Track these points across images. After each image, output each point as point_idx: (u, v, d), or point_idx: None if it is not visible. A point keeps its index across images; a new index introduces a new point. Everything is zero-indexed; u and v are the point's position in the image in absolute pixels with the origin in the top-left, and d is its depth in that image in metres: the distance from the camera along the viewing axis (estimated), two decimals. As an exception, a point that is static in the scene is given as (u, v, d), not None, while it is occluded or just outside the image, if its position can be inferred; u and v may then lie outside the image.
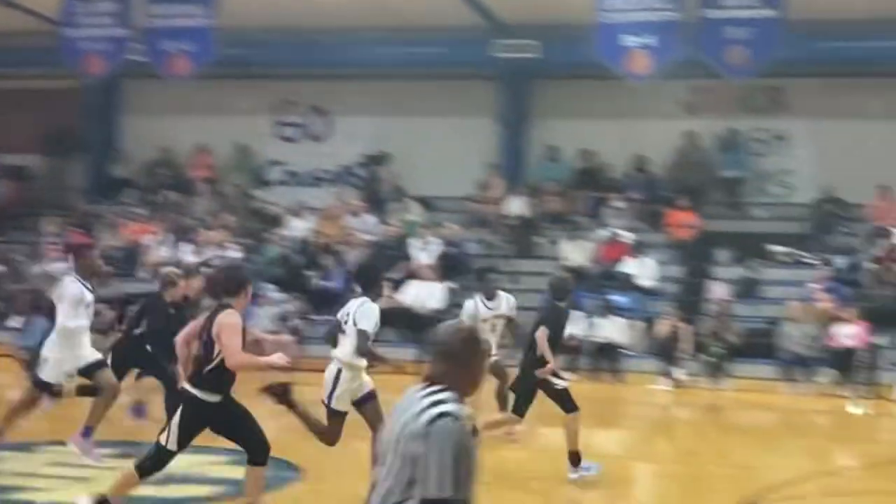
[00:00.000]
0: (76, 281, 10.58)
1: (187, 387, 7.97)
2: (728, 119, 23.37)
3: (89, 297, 10.58)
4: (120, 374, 11.10)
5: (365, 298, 9.27)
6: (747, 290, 20.78)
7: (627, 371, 19.50)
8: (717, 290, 20.49)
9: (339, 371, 9.14)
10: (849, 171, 22.29)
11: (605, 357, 19.69)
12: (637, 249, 21.40)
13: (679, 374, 18.92)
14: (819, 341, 18.71)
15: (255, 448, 8.07)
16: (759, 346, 19.18)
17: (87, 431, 10.53)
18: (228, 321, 7.77)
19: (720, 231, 22.41)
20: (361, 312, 9.13)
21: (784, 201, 23.08)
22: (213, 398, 7.88)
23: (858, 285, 20.12)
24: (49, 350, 10.55)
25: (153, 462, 7.97)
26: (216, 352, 7.76)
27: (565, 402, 10.62)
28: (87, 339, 10.64)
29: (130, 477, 8.02)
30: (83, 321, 10.50)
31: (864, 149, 22.50)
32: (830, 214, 21.83)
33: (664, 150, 23.32)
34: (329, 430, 9.08)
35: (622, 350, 19.80)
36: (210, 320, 7.88)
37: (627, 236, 21.80)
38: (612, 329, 19.86)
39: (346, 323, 9.21)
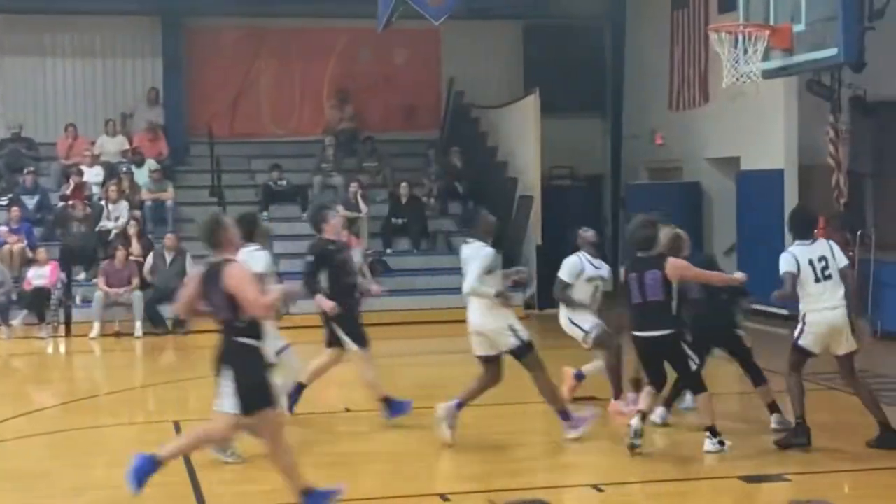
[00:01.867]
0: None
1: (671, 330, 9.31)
2: None
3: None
4: None
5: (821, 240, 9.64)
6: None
7: None
8: None
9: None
10: (35, 109, 22.10)
11: None
12: None
13: None
14: (15, 285, 18.16)
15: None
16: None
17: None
18: (681, 263, 9.46)
19: None
20: (839, 252, 9.50)
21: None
22: None
23: (48, 224, 19.84)
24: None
25: (699, 380, 9.45)
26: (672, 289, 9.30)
27: None
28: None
29: (706, 399, 9.37)
30: None
31: (49, 86, 22.36)
32: (18, 154, 21.25)
33: None
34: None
35: None
36: (651, 268, 9.28)
37: None
38: None
39: (826, 268, 9.35)
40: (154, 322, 18.07)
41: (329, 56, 23.42)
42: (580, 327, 10.84)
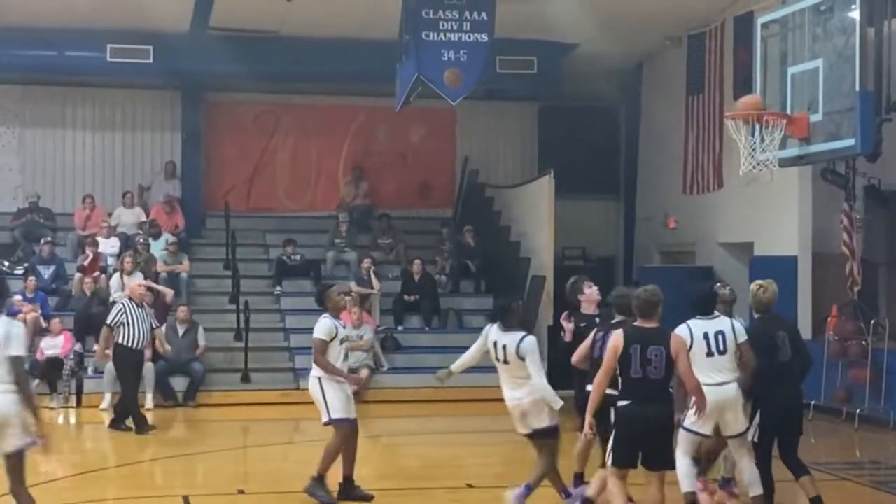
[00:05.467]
0: None
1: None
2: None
3: None
4: None
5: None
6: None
7: None
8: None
9: None
10: (54, 180, 22.34)
11: None
12: None
13: None
14: (28, 354, 18.11)
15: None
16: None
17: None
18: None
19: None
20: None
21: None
22: None
23: (63, 294, 19.89)
24: None
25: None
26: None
27: None
28: None
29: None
30: None
31: (68, 157, 22.61)
32: (35, 224, 21.40)
33: None
34: None
35: None
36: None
37: None
38: None
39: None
40: (165, 394, 18.07)
41: (346, 133, 23.64)
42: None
